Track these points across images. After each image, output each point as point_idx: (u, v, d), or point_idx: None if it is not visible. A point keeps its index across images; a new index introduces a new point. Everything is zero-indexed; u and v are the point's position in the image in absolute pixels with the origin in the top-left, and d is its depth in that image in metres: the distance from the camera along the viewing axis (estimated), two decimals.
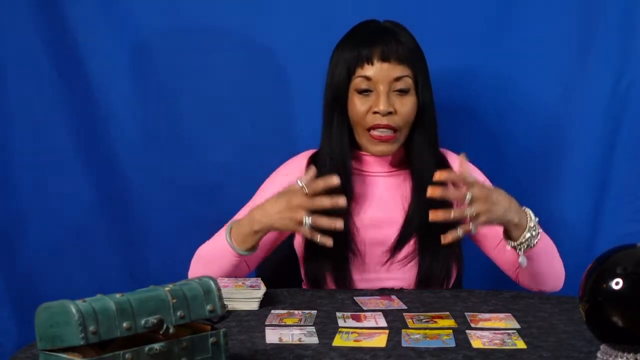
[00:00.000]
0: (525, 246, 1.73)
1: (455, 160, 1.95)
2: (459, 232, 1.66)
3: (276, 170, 1.96)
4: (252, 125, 2.31)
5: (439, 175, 1.66)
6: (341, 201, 1.69)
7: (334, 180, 1.70)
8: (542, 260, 1.79)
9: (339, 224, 1.69)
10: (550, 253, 1.82)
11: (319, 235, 1.70)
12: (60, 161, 2.28)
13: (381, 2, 2.17)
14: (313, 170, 1.73)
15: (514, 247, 1.74)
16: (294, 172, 1.91)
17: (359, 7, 2.14)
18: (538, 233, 1.74)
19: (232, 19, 2.28)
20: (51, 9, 2.23)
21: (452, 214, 1.64)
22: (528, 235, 1.72)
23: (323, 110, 1.91)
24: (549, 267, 1.82)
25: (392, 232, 1.86)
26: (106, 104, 2.28)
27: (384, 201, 1.90)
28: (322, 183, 1.70)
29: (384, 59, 1.82)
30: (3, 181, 2.26)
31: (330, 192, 1.80)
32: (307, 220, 1.68)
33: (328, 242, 1.70)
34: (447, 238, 1.67)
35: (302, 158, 1.95)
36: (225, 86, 2.30)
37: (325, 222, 1.69)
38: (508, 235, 1.75)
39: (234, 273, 1.80)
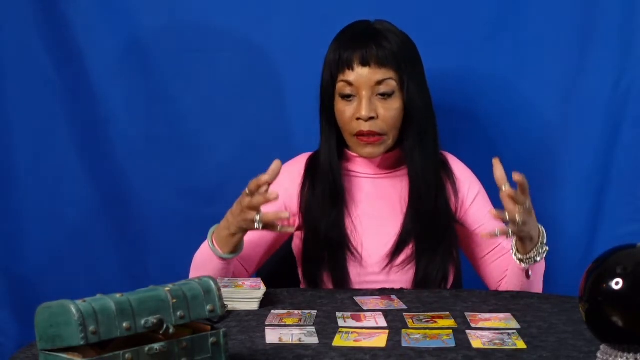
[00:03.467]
0: (532, 261, 1.74)
1: (457, 165, 1.94)
2: (497, 231, 1.68)
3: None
4: (252, 125, 2.31)
5: (517, 177, 1.63)
6: (273, 195, 1.67)
7: (264, 177, 1.67)
8: (535, 277, 1.79)
9: (284, 214, 1.69)
10: (541, 274, 1.82)
11: (279, 227, 1.71)
12: (61, 161, 2.28)
13: (379, 1, 2.17)
14: (275, 165, 1.69)
15: (520, 260, 1.74)
16: (292, 172, 1.91)
17: (358, 6, 2.14)
18: (545, 251, 1.74)
19: (232, 19, 2.28)
20: (51, 9, 2.23)
21: (506, 215, 1.64)
22: (536, 252, 1.73)
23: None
24: (537, 286, 1.82)
25: (390, 234, 1.86)
26: (106, 104, 2.28)
27: (381, 202, 1.89)
28: (254, 182, 1.68)
29: (364, 63, 1.81)
30: (3, 182, 2.26)
31: (326, 192, 1.83)
32: (257, 217, 1.68)
33: (290, 230, 1.78)
34: (485, 235, 1.72)
35: (302, 159, 1.95)
36: (226, 86, 2.30)
37: (271, 215, 1.69)
38: (518, 248, 1.75)
39: (228, 276, 1.80)
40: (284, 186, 1.89)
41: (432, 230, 1.84)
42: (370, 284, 1.85)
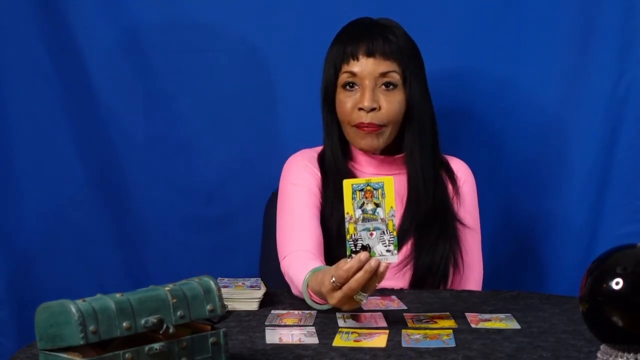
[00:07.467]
0: None
1: (460, 167, 1.94)
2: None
3: (289, 163, 1.93)
4: (252, 125, 2.31)
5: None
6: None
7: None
8: None
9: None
10: None
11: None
12: (61, 161, 2.28)
13: (379, 1, 2.17)
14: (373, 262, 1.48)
15: None
16: (307, 161, 1.90)
17: (358, 6, 2.14)
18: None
19: (233, 18, 2.28)
20: (51, 9, 2.23)
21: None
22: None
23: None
24: None
25: None
26: (106, 104, 2.28)
27: None
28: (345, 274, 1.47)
29: (369, 54, 1.82)
30: (3, 181, 2.26)
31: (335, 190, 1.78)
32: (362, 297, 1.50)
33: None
34: None
35: (313, 152, 1.93)
36: (225, 86, 2.30)
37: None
38: None
39: None
40: (313, 182, 1.87)
41: (430, 228, 1.84)
42: None
